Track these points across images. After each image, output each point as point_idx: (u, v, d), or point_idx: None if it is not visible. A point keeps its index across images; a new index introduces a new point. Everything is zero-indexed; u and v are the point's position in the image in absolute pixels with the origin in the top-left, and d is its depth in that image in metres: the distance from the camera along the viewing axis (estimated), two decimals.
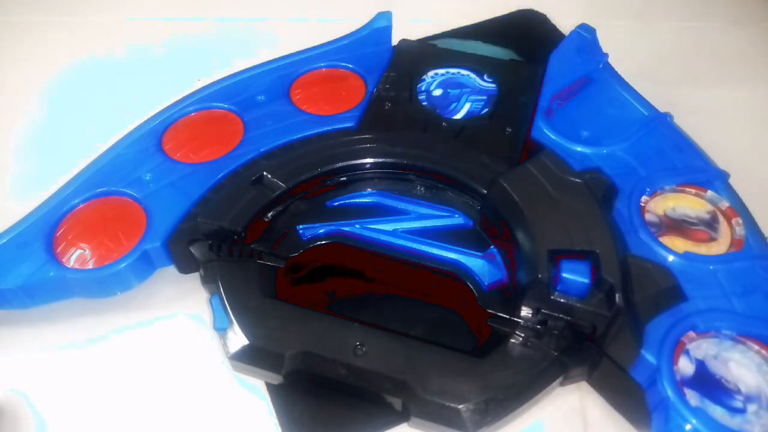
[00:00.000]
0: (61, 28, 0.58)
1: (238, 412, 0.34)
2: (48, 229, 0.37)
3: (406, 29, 0.50)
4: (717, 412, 0.29)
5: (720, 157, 0.40)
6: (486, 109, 0.44)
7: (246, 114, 0.43)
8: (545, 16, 0.57)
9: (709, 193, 0.38)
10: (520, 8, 0.58)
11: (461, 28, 0.56)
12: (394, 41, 0.49)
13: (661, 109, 0.42)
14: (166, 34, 0.57)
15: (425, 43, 0.52)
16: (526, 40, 0.55)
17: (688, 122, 0.41)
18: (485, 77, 0.46)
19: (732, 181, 0.38)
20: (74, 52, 0.55)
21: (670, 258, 0.35)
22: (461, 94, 0.45)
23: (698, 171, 0.39)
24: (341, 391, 0.33)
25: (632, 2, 0.61)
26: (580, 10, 0.59)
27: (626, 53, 0.48)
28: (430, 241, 0.37)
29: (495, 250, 0.37)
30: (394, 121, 0.43)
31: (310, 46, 0.48)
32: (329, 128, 0.42)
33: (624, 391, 0.32)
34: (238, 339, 0.33)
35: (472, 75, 0.47)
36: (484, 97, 0.45)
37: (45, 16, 0.59)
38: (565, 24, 0.55)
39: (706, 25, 0.58)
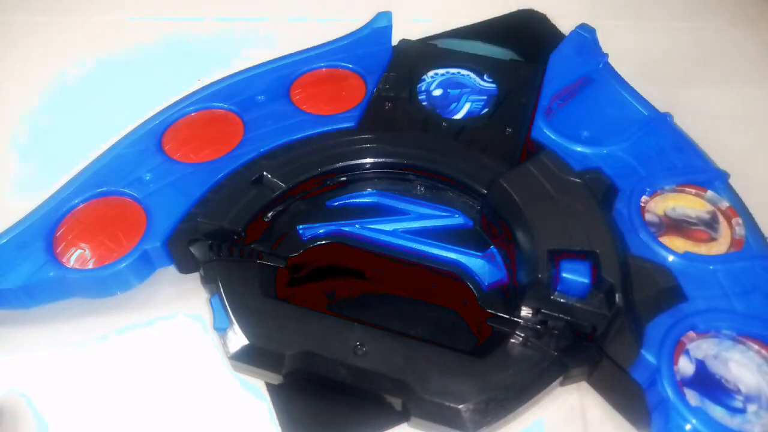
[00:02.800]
0: (62, 28, 0.58)
1: (238, 412, 0.34)
2: (48, 229, 0.37)
3: (406, 29, 0.50)
4: (717, 412, 0.29)
5: (720, 157, 0.40)
6: (486, 109, 0.44)
7: (246, 114, 0.43)
8: (545, 16, 0.57)
9: (709, 193, 0.38)
10: (520, 8, 0.58)
11: (461, 28, 0.56)
12: (394, 41, 0.49)
13: (661, 109, 0.42)
14: (166, 34, 0.57)
15: (425, 43, 0.52)
16: (526, 40, 0.55)
17: (688, 122, 0.41)
18: (485, 77, 0.46)
19: (732, 181, 0.38)
20: (74, 52, 0.55)
21: (670, 258, 0.35)
22: (461, 94, 0.45)
23: (698, 171, 0.39)
24: (341, 391, 0.33)
25: (632, 2, 0.61)
26: (580, 10, 0.59)
27: (626, 53, 0.48)
28: (430, 241, 0.37)
29: (495, 250, 0.37)
30: (394, 121, 0.43)
31: (310, 46, 0.48)
32: (329, 128, 0.42)
33: (624, 391, 0.32)
34: (238, 339, 0.33)
35: (472, 75, 0.47)
36: (484, 97, 0.45)
37: (45, 17, 0.59)
38: (565, 24, 0.55)
39: (706, 25, 0.58)
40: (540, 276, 0.32)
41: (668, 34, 0.57)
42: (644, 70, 0.48)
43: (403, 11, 0.50)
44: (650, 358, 0.31)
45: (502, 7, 0.58)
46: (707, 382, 0.30)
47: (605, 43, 0.46)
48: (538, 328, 0.33)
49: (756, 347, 0.31)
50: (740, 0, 0.60)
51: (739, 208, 0.37)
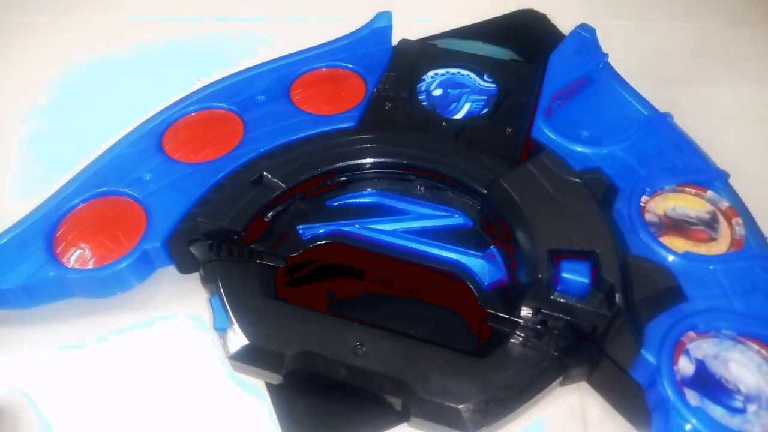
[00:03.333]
0: (62, 28, 0.58)
1: (238, 412, 0.34)
2: (48, 229, 0.37)
3: (406, 29, 0.50)
4: (717, 412, 0.29)
5: (720, 157, 0.40)
6: (486, 109, 0.44)
7: (246, 114, 0.43)
8: (545, 16, 0.57)
9: (709, 193, 0.38)
10: (520, 8, 0.58)
11: (461, 28, 0.56)
12: (394, 41, 0.49)
13: (661, 109, 0.42)
14: (166, 34, 0.57)
15: (425, 43, 0.52)
16: (526, 40, 0.55)
17: (688, 122, 0.41)
18: (485, 77, 0.46)
19: (732, 181, 0.38)
20: (75, 52, 0.55)
21: (670, 258, 0.35)
22: (461, 94, 0.45)
23: (698, 171, 0.39)
24: (341, 391, 0.33)
25: (632, 2, 0.61)
26: (580, 10, 0.59)
27: (626, 53, 0.48)
28: (430, 241, 0.37)
29: (495, 250, 0.37)
30: (394, 121, 0.43)
31: (310, 46, 0.48)
32: (329, 128, 0.42)
33: (624, 391, 0.32)
34: (238, 339, 0.33)
35: (472, 75, 0.47)
36: (484, 97, 0.45)
37: (45, 17, 0.59)
38: (565, 24, 0.55)
39: (706, 25, 0.58)
40: (540, 276, 0.32)
41: (668, 34, 0.57)
42: (644, 70, 0.48)
43: (403, 11, 0.50)
44: (650, 358, 0.31)
45: (502, 7, 0.58)
46: (707, 382, 0.30)
47: (605, 43, 0.46)
48: (538, 328, 0.33)
49: (756, 347, 0.31)
50: (740, 0, 0.60)
51: (739, 208, 0.37)
